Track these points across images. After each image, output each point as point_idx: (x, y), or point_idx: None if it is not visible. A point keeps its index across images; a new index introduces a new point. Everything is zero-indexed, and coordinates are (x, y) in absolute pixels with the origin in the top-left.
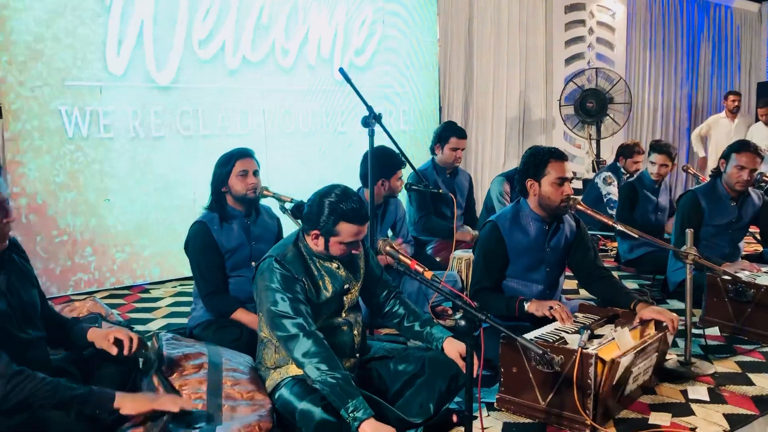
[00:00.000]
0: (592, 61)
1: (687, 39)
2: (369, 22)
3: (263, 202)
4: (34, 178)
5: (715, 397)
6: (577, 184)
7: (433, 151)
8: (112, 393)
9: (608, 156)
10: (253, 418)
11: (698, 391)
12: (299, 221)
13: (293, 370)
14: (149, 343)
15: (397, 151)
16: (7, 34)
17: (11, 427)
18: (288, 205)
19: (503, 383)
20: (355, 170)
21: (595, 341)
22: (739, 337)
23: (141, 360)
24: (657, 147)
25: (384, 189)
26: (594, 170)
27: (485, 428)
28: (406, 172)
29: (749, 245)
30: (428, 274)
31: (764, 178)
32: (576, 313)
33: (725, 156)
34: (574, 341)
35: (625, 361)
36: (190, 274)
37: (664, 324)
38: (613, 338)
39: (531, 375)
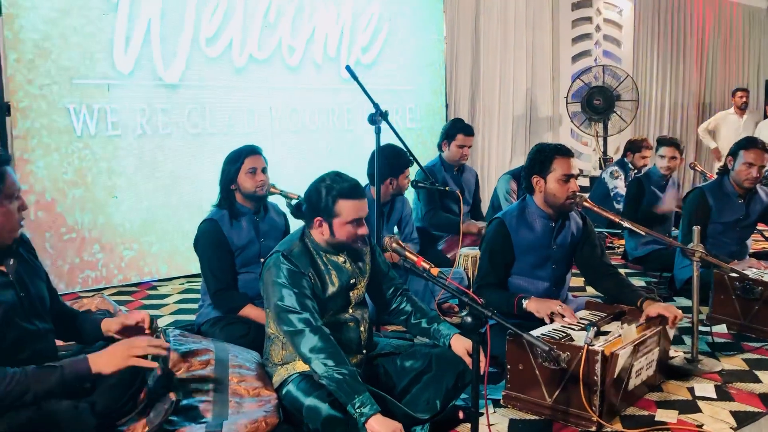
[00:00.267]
0: (599, 58)
1: (694, 35)
2: (375, 20)
3: (270, 199)
4: (43, 176)
5: (722, 395)
6: (584, 182)
7: (440, 148)
8: (85, 364)
9: (615, 153)
10: (260, 414)
11: (705, 389)
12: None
13: (300, 366)
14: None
15: (404, 149)
16: (15, 33)
17: (20, 424)
18: (295, 202)
19: (509, 380)
20: (361, 168)
21: (602, 338)
22: (746, 335)
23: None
24: (665, 140)
25: (392, 187)
26: (601, 167)
27: (491, 425)
28: (412, 170)
29: (757, 243)
30: (435, 271)
31: None
32: (582, 310)
33: (733, 153)
34: (580, 338)
35: (623, 354)
36: (197, 271)
37: (667, 319)
38: (620, 335)
39: (537, 372)
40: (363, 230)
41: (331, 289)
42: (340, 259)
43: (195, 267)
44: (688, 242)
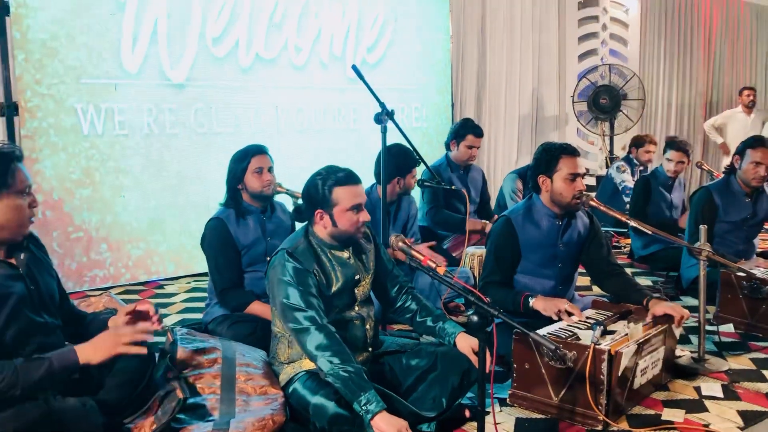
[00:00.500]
0: (605, 58)
1: (701, 34)
2: (381, 20)
3: (277, 198)
4: (50, 175)
5: (729, 394)
6: (590, 181)
7: (448, 147)
8: (72, 355)
9: (621, 151)
10: (267, 412)
11: (712, 388)
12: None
13: (306, 365)
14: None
15: (411, 148)
16: (24, 33)
17: (28, 423)
18: (295, 206)
19: (516, 379)
20: (367, 167)
21: (608, 337)
22: (753, 334)
23: (157, 354)
24: (673, 144)
25: (399, 187)
26: (607, 166)
27: (498, 423)
28: (419, 169)
29: (764, 242)
30: (441, 270)
31: None
32: (589, 310)
33: (740, 152)
34: (586, 337)
35: (627, 353)
36: (204, 270)
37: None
38: (626, 334)
39: (543, 371)
40: (364, 216)
41: (336, 285)
42: (345, 254)
43: (202, 266)
44: (695, 241)
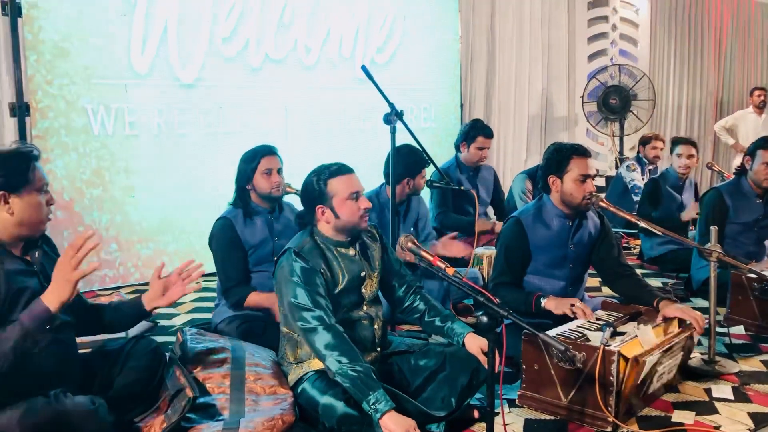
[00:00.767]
0: (615, 58)
1: (712, 34)
2: (390, 20)
3: (286, 198)
4: (61, 175)
5: (740, 396)
6: (600, 182)
7: (458, 148)
8: (40, 304)
9: (630, 151)
10: (276, 412)
11: (722, 390)
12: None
13: (315, 365)
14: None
15: (420, 148)
16: (35, 34)
17: (36, 423)
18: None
19: (525, 380)
20: (376, 167)
21: (618, 338)
22: (764, 336)
23: (167, 354)
24: (679, 139)
25: (408, 187)
26: (617, 167)
27: (507, 424)
28: (429, 169)
29: None
30: (450, 271)
31: None
32: (599, 311)
33: (750, 153)
34: (596, 338)
35: (651, 360)
36: (213, 270)
37: (688, 322)
38: (636, 336)
39: (553, 372)
40: (364, 203)
41: (342, 283)
42: (351, 251)
43: (211, 266)
44: (705, 242)
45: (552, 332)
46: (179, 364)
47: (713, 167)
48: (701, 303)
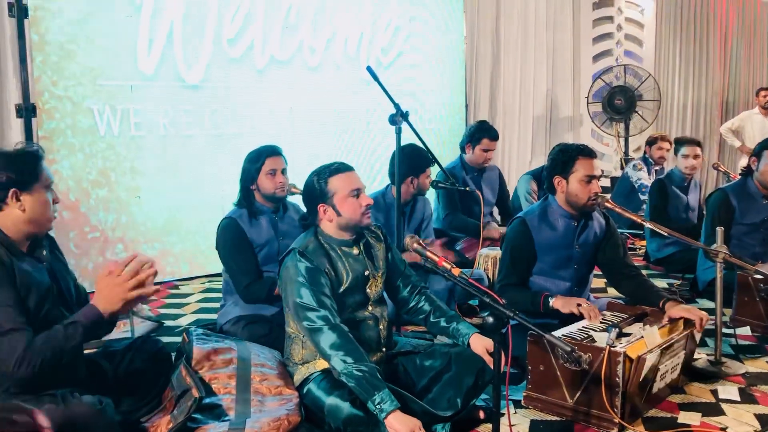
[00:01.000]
0: (620, 58)
1: (717, 34)
2: (395, 21)
3: (290, 198)
4: (67, 176)
5: (746, 397)
6: (605, 183)
7: (463, 149)
8: (95, 310)
9: (635, 152)
10: (282, 412)
11: (729, 391)
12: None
13: (321, 365)
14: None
15: (425, 148)
16: (42, 35)
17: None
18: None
19: (530, 381)
20: (381, 168)
21: (624, 339)
22: None
23: (173, 354)
24: (684, 140)
25: (412, 187)
26: (622, 168)
27: (512, 425)
28: (434, 169)
29: None
30: (456, 271)
31: None
32: (604, 312)
33: (756, 153)
34: (602, 339)
35: (651, 358)
36: (218, 270)
37: (693, 322)
38: (642, 336)
39: (558, 373)
40: (365, 200)
41: (346, 282)
42: (354, 250)
43: (217, 267)
44: (711, 243)
45: (558, 333)
46: (185, 365)
47: (719, 168)
48: (707, 304)
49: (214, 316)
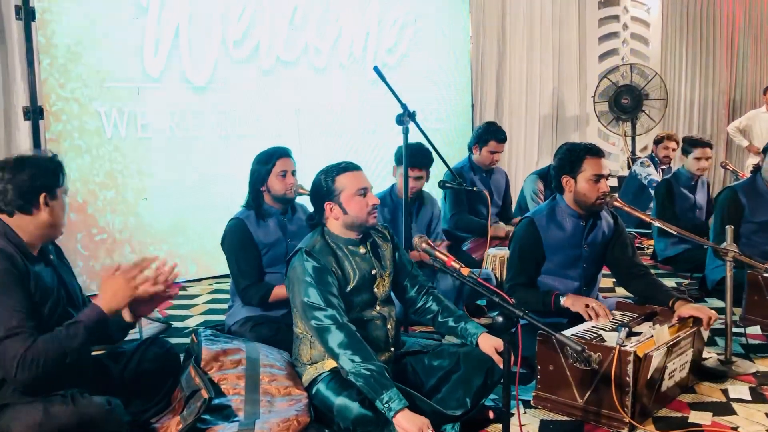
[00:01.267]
0: (626, 57)
1: (724, 32)
2: (401, 21)
3: (298, 200)
4: (75, 178)
5: (757, 397)
6: (612, 182)
7: (470, 150)
8: (97, 309)
9: (642, 151)
10: (291, 413)
11: (739, 390)
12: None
13: (329, 365)
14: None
15: (430, 148)
16: (48, 38)
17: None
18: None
19: (540, 380)
20: (388, 168)
21: (633, 339)
22: None
23: (182, 355)
24: (698, 141)
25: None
26: (629, 167)
27: (522, 425)
28: (441, 170)
29: None
30: (465, 271)
31: None
32: (614, 311)
33: (765, 151)
34: (612, 339)
35: (657, 356)
36: (226, 271)
37: (701, 320)
38: (652, 336)
39: (568, 372)
40: (372, 200)
41: (353, 281)
42: (361, 249)
43: (224, 268)
44: (721, 242)
45: (567, 332)
46: (194, 365)
47: (727, 166)
48: (716, 303)
49: (221, 317)
